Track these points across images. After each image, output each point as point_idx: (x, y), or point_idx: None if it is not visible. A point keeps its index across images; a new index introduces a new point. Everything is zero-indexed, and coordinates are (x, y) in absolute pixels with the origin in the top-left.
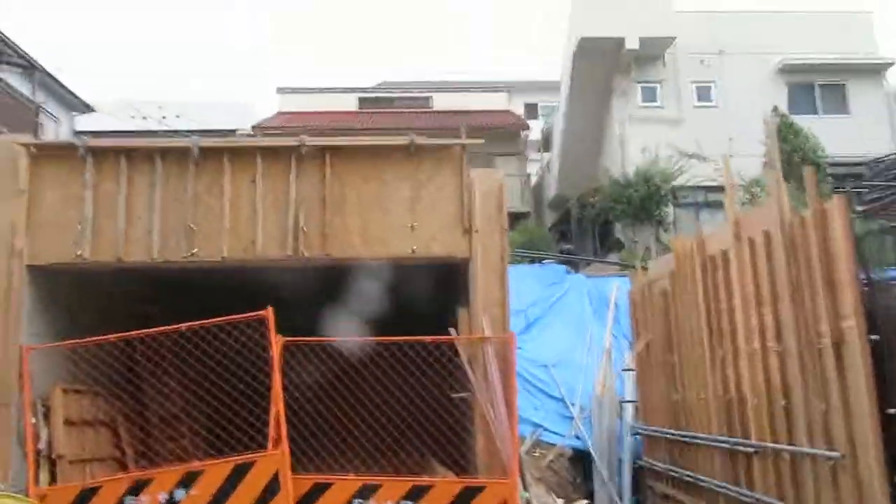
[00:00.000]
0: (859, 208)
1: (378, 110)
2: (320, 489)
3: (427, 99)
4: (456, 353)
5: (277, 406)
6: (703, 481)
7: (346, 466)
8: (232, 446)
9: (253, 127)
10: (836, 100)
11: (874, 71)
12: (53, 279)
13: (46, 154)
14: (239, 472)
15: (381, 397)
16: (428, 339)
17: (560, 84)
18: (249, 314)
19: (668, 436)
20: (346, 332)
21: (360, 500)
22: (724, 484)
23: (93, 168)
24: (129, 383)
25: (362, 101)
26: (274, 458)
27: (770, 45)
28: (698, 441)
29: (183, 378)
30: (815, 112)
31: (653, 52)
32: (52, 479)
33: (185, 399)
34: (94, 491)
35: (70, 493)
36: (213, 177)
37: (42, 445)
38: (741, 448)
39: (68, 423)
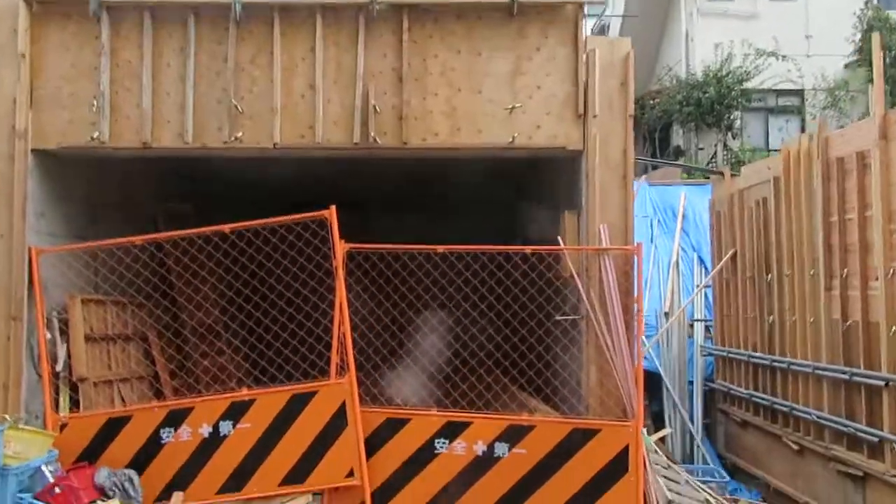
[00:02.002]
0: None
1: None
2: (394, 425)
3: None
4: (559, 267)
5: (343, 326)
6: (801, 412)
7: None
8: (282, 371)
9: None
10: None
11: None
12: (67, 168)
13: (51, 11)
14: (297, 404)
15: (465, 320)
16: (528, 248)
17: None
18: (308, 214)
19: (754, 360)
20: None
21: (444, 441)
22: (833, 417)
23: (109, 29)
24: (161, 293)
25: None
26: (339, 388)
27: None
28: (797, 368)
29: (225, 289)
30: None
31: None
32: (75, 405)
33: (225, 312)
34: (123, 421)
35: (95, 423)
36: (260, 42)
37: (60, 366)
38: (865, 380)
39: (90, 339)
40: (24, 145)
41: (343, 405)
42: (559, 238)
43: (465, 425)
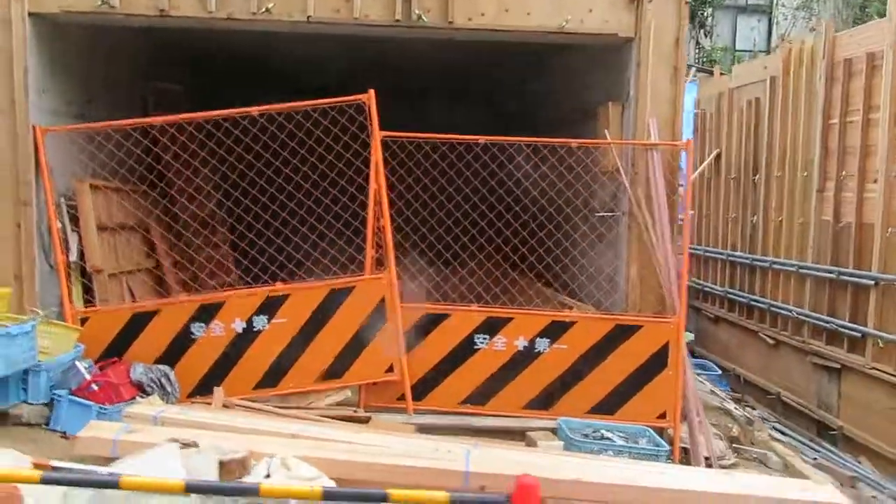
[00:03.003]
0: None
1: None
2: (434, 321)
3: None
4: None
5: (384, 219)
6: (780, 308)
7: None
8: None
9: None
10: None
11: None
12: (66, 39)
13: None
14: (335, 298)
15: (498, 214)
16: (574, 142)
17: None
18: (346, 97)
19: (732, 259)
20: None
21: (485, 336)
22: (813, 313)
23: None
24: (160, 179)
25: None
26: (378, 283)
27: None
28: (780, 267)
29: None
30: None
31: None
32: (88, 298)
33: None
34: (150, 315)
35: (119, 317)
36: None
37: (74, 256)
38: (853, 279)
39: (101, 227)
40: (21, 8)
41: (382, 300)
42: (605, 131)
43: (506, 321)
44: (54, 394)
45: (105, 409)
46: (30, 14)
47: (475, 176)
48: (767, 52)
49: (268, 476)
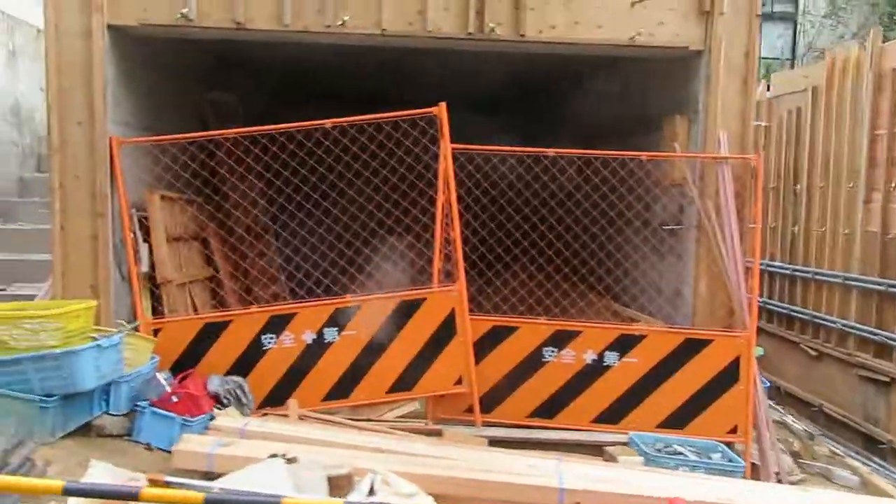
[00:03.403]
0: None
1: None
2: (502, 333)
3: None
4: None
5: (454, 231)
6: (824, 319)
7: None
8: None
9: None
10: None
11: None
12: (138, 50)
13: None
14: (405, 310)
15: (562, 227)
16: (645, 155)
17: None
18: (417, 111)
19: (772, 269)
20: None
21: (553, 349)
22: (860, 325)
23: None
24: (215, 191)
25: None
26: (448, 295)
27: None
28: (823, 278)
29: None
30: None
31: None
32: (156, 308)
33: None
34: (221, 326)
35: (191, 328)
36: None
37: (145, 267)
38: None
39: (169, 238)
40: (101, 19)
41: (452, 312)
42: (674, 144)
43: (575, 334)
44: (136, 405)
45: (189, 421)
46: (108, 26)
47: (543, 188)
48: (793, 60)
49: (371, 492)
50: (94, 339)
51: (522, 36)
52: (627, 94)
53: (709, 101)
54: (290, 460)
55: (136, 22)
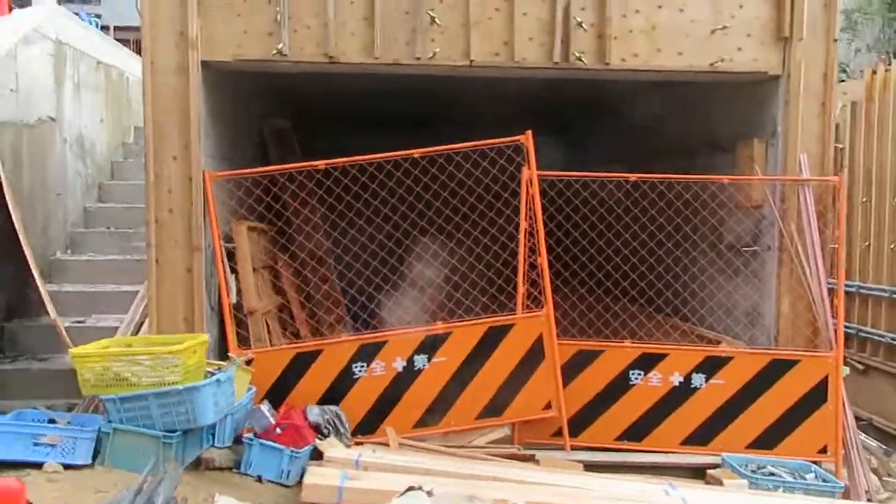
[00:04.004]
0: None
1: None
2: (588, 357)
3: None
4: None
5: (541, 256)
6: (871, 334)
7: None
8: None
9: None
10: None
11: None
12: (222, 83)
13: None
14: (493, 336)
15: (639, 248)
16: (726, 178)
17: None
18: (504, 139)
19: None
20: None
21: (639, 372)
22: None
23: None
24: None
25: None
26: (537, 321)
27: None
28: (867, 292)
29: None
30: None
31: None
32: (242, 338)
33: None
34: (312, 355)
35: (283, 358)
36: None
37: (234, 298)
38: None
39: (255, 268)
40: (196, 56)
41: (540, 337)
42: (754, 167)
43: (661, 357)
44: (244, 438)
45: (296, 452)
46: (202, 61)
47: (626, 213)
48: None
49: None
50: (212, 373)
51: (607, 64)
52: (698, 117)
53: (788, 124)
54: (429, 493)
55: (231, 58)
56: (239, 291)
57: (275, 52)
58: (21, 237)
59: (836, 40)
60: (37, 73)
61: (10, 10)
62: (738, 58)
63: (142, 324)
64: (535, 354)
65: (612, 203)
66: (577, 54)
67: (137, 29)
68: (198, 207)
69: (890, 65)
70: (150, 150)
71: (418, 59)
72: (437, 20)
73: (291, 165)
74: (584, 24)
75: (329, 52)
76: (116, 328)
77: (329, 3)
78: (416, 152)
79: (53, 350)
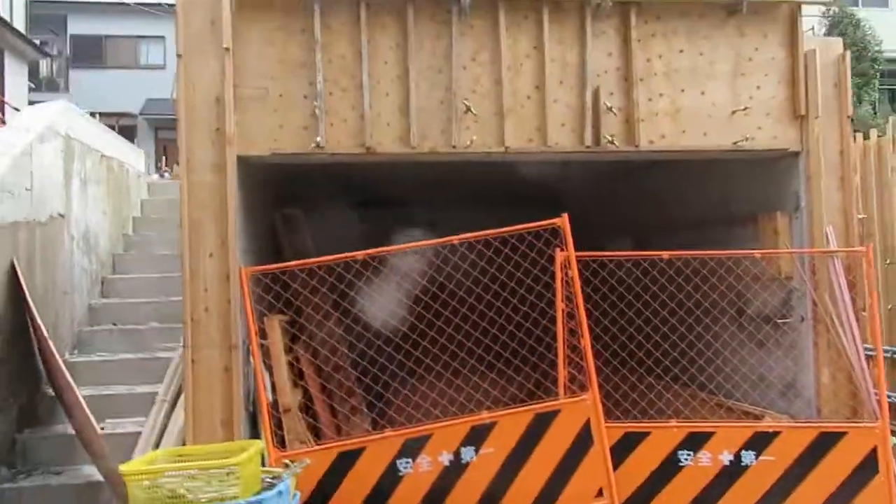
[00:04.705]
0: None
1: None
2: (635, 439)
3: None
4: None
5: (584, 339)
6: None
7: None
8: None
9: None
10: None
11: None
12: (249, 175)
13: (250, 2)
14: (539, 424)
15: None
16: (757, 252)
17: None
18: (540, 223)
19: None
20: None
21: (688, 452)
22: None
23: (320, 22)
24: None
25: None
26: (583, 405)
27: None
28: None
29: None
30: (855, 3)
31: None
32: (279, 440)
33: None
34: (355, 454)
35: (325, 458)
36: (482, 39)
37: (270, 396)
38: None
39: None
40: (233, 152)
41: (587, 422)
42: (778, 240)
43: (709, 435)
44: None
45: None
46: (238, 156)
47: (662, 290)
48: None
49: None
50: (270, 482)
51: (637, 146)
52: (715, 193)
53: (811, 198)
54: None
55: (269, 151)
56: (273, 389)
57: (313, 145)
58: (45, 338)
59: (849, 117)
60: (49, 170)
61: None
62: (759, 136)
63: (165, 428)
64: (583, 440)
65: (647, 281)
66: (609, 137)
67: (111, 115)
68: (235, 305)
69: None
70: (186, 248)
71: (454, 147)
72: (472, 109)
73: (328, 258)
74: (613, 109)
75: (366, 143)
76: (136, 433)
77: (365, 96)
78: (454, 239)
79: (69, 461)
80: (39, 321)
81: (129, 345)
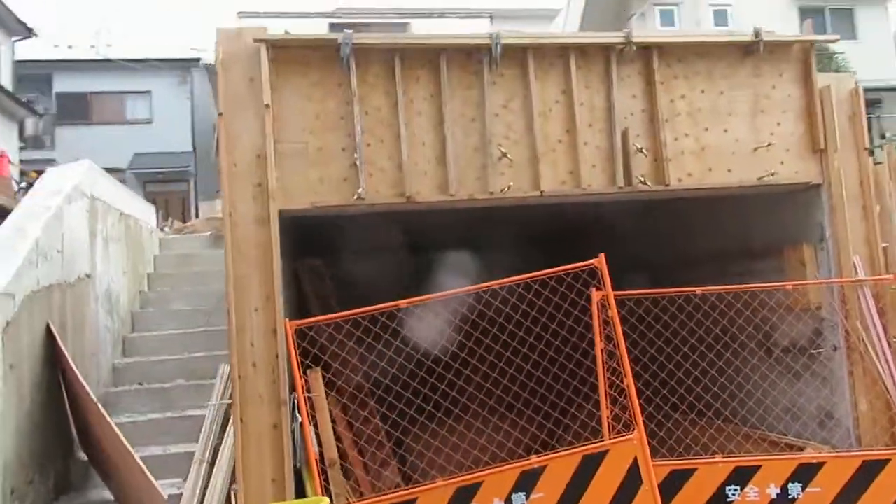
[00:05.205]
0: None
1: None
2: (681, 476)
3: (404, 26)
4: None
5: (627, 378)
6: None
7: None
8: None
9: None
10: (845, 25)
11: None
12: (288, 229)
13: (288, 58)
14: (588, 466)
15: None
16: (789, 284)
17: (561, 10)
18: (578, 264)
19: None
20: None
21: (735, 487)
22: None
23: (356, 76)
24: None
25: (333, 26)
26: (630, 445)
27: None
28: None
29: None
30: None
31: None
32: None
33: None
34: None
35: None
36: (513, 86)
37: (317, 449)
38: None
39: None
40: (276, 206)
41: (635, 461)
42: (813, 272)
43: (755, 469)
44: None
45: None
46: (280, 210)
47: (697, 326)
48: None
49: None
50: None
51: (667, 185)
52: (736, 225)
53: (836, 228)
54: None
55: (310, 204)
56: (319, 442)
57: (355, 196)
58: (93, 402)
59: (866, 149)
60: (76, 230)
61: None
62: (782, 170)
63: (206, 488)
64: (631, 479)
65: (683, 317)
66: (641, 178)
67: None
68: (282, 359)
69: None
70: (232, 303)
71: (491, 193)
72: (507, 154)
73: (372, 308)
74: (643, 150)
75: (406, 193)
76: (177, 495)
77: (403, 147)
78: (484, 286)
79: None
80: (86, 385)
81: (156, 404)
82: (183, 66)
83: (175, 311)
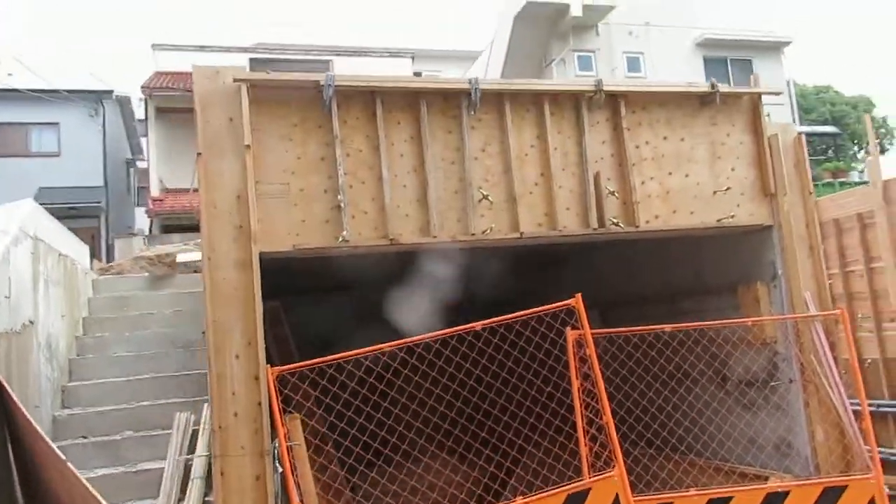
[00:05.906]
0: None
1: None
2: None
3: (327, 63)
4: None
5: (606, 415)
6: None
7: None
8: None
9: (142, 87)
10: (745, 74)
11: (775, 48)
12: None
13: (268, 98)
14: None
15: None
16: (750, 320)
17: (483, 51)
18: (556, 304)
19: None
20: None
21: None
22: None
23: (338, 118)
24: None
25: (254, 62)
26: (611, 482)
27: (689, 19)
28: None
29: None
30: (727, 84)
31: (591, 20)
32: None
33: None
34: None
35: None
36: (490, 131)
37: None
38: None
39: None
40: (257, 249)
41: (616, 498)
42: (767, 308)
43: (727, 500)
44: None
45: None
46: (260, 253)
47: (668, 362)
48: None
49: None
50: None
51: (637, 227)
52: (674, 263)
53: (788, 267)
54: None
55: (293, 247)
56: (299, 491)
57: (339, 239)
58: (60, 459)
59: (811, 193)
60: (22, 274)
61: None
62: (738, 213)
63: None
64: None
65: (654, 354)
66: (614, 220)
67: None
68: (264, 407)
69: None
70: (212, 349)
71: (472, 234)
72: (488, 197)
73: (357, 352)
74: (614, 193)
75: (389, 236)
76: None
77: (385, 189)
78: (477, 325)
79: None
80: (46, 437)
81: (106, 459)
82: (95, 97)
83: (116, 357)
